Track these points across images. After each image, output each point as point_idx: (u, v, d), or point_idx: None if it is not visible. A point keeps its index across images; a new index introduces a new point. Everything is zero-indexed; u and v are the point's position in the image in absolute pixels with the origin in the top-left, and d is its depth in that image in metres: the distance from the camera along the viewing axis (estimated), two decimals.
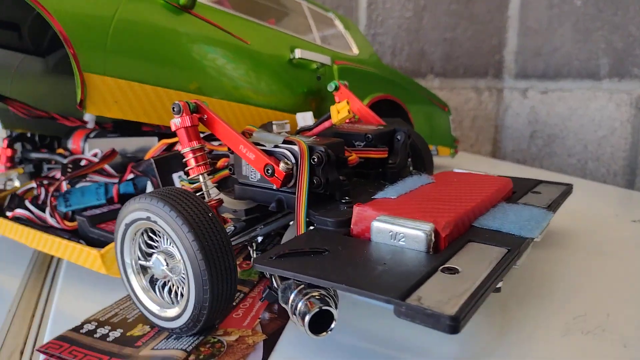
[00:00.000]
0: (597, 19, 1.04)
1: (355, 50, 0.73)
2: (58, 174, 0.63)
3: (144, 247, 0.38)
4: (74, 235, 0.50)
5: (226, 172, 0.48)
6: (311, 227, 0.39)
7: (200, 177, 0.41)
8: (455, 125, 0.91)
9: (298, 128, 0.52)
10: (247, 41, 0.56)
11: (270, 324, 0.38)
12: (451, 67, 1.29)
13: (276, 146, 0.41)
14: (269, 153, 0.41)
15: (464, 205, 0.39)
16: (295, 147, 0.40)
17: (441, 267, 0.31)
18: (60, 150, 0.71)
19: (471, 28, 1.28)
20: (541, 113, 1.21)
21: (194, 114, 0.42)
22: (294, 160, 0.40)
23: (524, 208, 0.42)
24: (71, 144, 0.69)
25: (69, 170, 0.55)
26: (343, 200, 0.41)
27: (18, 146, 0.73)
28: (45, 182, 0.60)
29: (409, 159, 0.59)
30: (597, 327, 0.36)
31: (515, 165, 1.07)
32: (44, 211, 0.54)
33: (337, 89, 0.60)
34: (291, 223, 0.46)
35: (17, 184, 0.72)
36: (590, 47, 1.07)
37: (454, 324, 0.25)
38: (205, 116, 0.42)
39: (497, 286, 0.34)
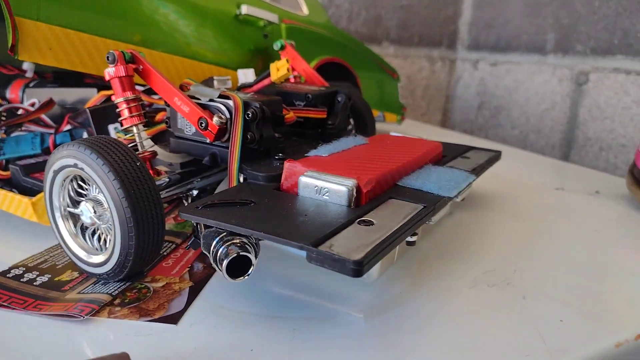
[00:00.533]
0: None
1: (305, 11, 0.73)
2: None
3: (73, 195, 0.38)
4: (7, 184, 0.50)
5: (163, 125, 0.49)
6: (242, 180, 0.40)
7: (134, 128, 0.42)
8: (403, 93, 0.93)
9: (239, 84, 0.52)
10: None
11: (199, 273, 0.39)
12: (406, 35, 1.30)
13: (211, 100, 0.41)
14: (203, 107, 0.41)
15: (390, 165, 0.41)
16: (230, 102, 0.41)
17: (358, 220, 0.33)
18: None
19: None
20: (489, 85, 1.25)
21: (129, 64, 0.41)
22: (228, 115, 0.41)
23: (447, 170, 0.45)
24: (9, 94, 0.67)
25: (3, 118, 0.54)
26: (276, 157, 0.42)
27: None
28: None
29: (351, 122, 0.61)
30: (503, 281, 0.39)
31: (461, 135, 1.10)
32: None
33: (283, 48, 0.60)
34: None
35: None
36: (539, 22, 1.10)
37: (357, 268, 0.27)
38: (141, 67, 0.42)
39: (411, 240, 0.36)
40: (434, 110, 1.39)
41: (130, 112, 0.41)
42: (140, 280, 0.38)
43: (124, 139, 0.47)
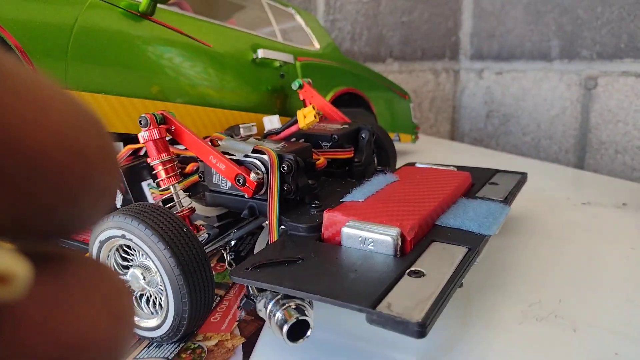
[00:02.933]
0: (548, 2, 1.08)
1: (316, 45, 0.74)
2: None
3: (120, 261, 0.39)
4: None
5: (195, 177, 0.49)
6: (282, 230, 0.41)
7: (172, 188, 0.42)
8: (414, 113, 0.93)
9: (265, 131, 0.53)
10: (209, 44, 0.56)
11: (248, 326, 0.40)
12: (409, 51, 1.31)
13: (246, 155, 0.42)
14: (239, 163, 0.42)
15: (426, 205, 0.42)
16: (265, 157, 0.41)
17: (408, 271, 0.33)
18: None
19: (427, 11, 1.30)
20: (496, 93, 1.25)
21: (161, 126, 0.42)
22: (264, 170, 0.41)
23: (482, 203, 0.45)
24: None
25: None
26: (313, 205, 0.42)
27: None
28: None
29: (374, 155, 0.62)
30: (550, 314, 0.39)
31: (472, 148, 1.11)
32: None
33: (301, 87, 0.61)
34: (265, 224, 0.47)
35: None
36: (541, 29, 1.11)
37: (421, 330, 0.27)
38: (173, 127, 0.43)
39: (460, 282, 0.37)
40: (442, 121, 1.40)
41: (167, 172, 0.42)
42: (193, 340, 0.38)
43: (160, 195, 0.48)
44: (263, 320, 0.40)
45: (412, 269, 0.34)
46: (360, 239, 0.37)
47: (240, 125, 0.53)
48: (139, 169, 0.49)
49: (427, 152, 0.98)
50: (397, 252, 0.36)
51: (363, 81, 0.79)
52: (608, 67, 0.97)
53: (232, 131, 0.54)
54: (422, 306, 0.29)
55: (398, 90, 0.88)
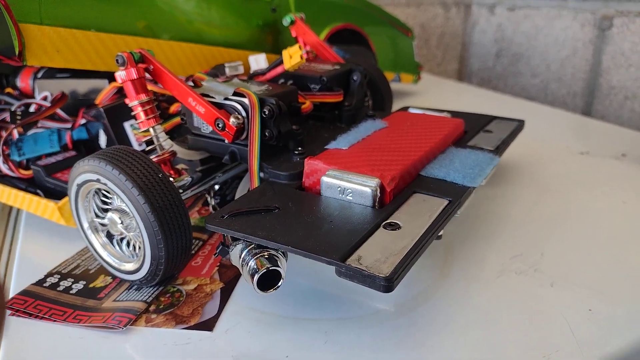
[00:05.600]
0: None
1: None
2: (8, 117, 0.61)
3: (99, 204, 0.39)
4: (30, 184, 0.50)
5: (178, 119, 0.48)
6: (263, 177, 0.40)
7: (152, 130, 0.41)
8: (417, 42, 0.89)
9: (251, 72, 0.51)
10: None
11: (227, 271, 0.40)
12: None
13: (226, 98, 0.40)
14: (219, 106, 0.41)
15: (411, 155, 0.40)
16: (246, 100, 0.40)
17: (383, 223, 0.33)
18: (9, 90, 0.68)
19: None
20: (507, 31, 1.20)
21: (140, 65, 0.40)
22: (244, 114, 0.40)
23: (470, 153, 0.44)
24: (20, 83, 0.67)
25: (19, 117, 0.54)
26: (296, 152, 0.41)
27: None
28: None
29: (367, 97, 0.60)
30: (530, 267, 0.39)
31: (478, 90, 1.07)
32: None
33: (293, 22, 0.58)
34: None
35: None
36: None
37: (387, 284, 0.27)
38: (152, 67, 0.41)
39: (438, 234, 0.36)
40: (449, 59, 1.35)
41: (147, 114, 0.41)
42: (173, 283, 0.39)
43: (142, 136, 0.47)
44: None
45: (388, 221, 0.33)
46: (339, 189, 0.36)
47: (226, 65, 0.51)
48: (121, 108, 0.48)
49: (429, 93, 0.95)
50: (376, 204, 0.35)
51: (362, 16, 0.75)
52: (625, 7, 0.91)
53: (217, 70, 0.52)
54: (392, 260, 0.29)
55: (400, 27, 0.84)
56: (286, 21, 0.57)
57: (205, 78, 0.44)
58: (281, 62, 0.47)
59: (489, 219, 0.47)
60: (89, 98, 0.59)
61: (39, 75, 0.64)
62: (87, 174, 0.35)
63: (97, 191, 0.38)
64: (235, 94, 0.41)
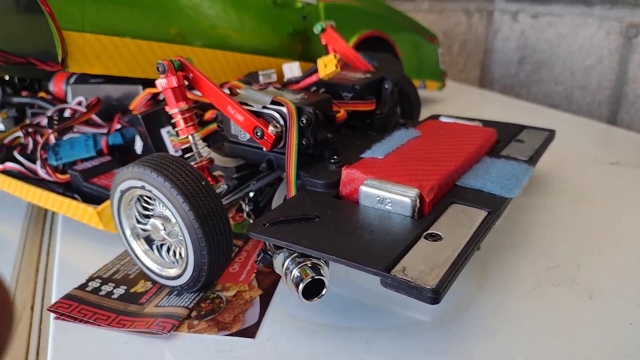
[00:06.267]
0: None
1: None
2: (43, 121, 0.63)
3: (141, 210, 0.39)
4: (67, 188, 0.51)
5: (214, 126, 0.49)
6: (300, 185, 0.40)
7: (190, 138, 0.42)
8: (443, 57, 0.90)
9: (285, 80, 0.51)
10: None
11: (265, 278, 0.41)
12: None
13: (264, 107, 0.41)
14: (257, 114, 0.41)
15: (448, 165, 0.41)
16: (284, 109, 0.40)
17: (425, 234, 0.33)
18: (43, 94, 0.69)
19: None
20: (531, 38, 1.19)
21: (179, 73, 0.41)
22: (282, 123, 0.40)
23: (505, 164, 0.44)
24: (53, 87, 0.68)
25: (56, 122, 0.55)
26: (332, 160, 0.42)
27: None
28: (30, 130, 0.60)
29: (397, 106, 0.60)
30: (567, 279, 0.39)
31: (501, 97, 1.07)
32: (33, 162, 0.55)
33: (323, 30, 0.58)
34: (283, 176, 0.47)
35: (1, 127, 0.71)
36: None
37: (435, 296, 0.27)
38: (191, 75, 0.42)
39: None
40: (472, 66, 1.35)
41: (186, 122, 0.41)
42: (212, 289, 0.39)
43: (179, 142, 0.48)
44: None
45: (429, 231, 0.33)
46: (378, 198, 0.36)
47: (260, 72, 0.52)
48: (158, 115, 0.49)
49: (453, 100, 0.95)
50: (415, 214, 0.35)
51: (389, 23, 0.75)
52: None
53: (251, 78, 0.53)
54: (437, 271, 0.29)
55: (426, 34, 0.84)
56: (317, 29, 0.58)
57: (241, 86, 0.45)
58: (315, 71, 0.48)
59: (523, 229, 0.47)
60: (122, 103, 0.60)
61: (72, 80, 0.66)
62: (131, 180, 0.36)
63: (140, 198, 0.39)
64: (273, 102, 0.41)
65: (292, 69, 0.50)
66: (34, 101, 0.69)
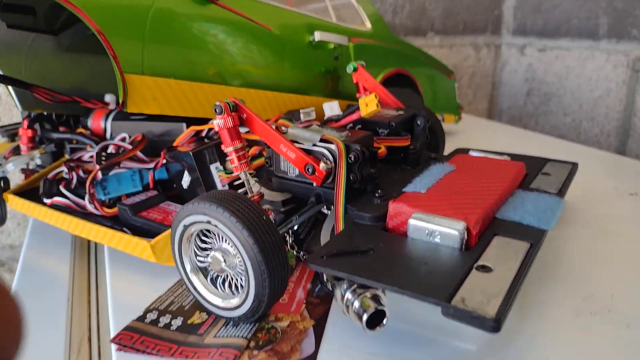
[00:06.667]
0: None
1: (367, 24, 0.74)
2: (85, 155, 0.65)
3: (199, 244, 0.41)
4: (115, 221, 0.54)
5: (260, 161, 0.51)
6: (347, 217, 0.43)
7: (243, 175, 0.44)
8: (459, 92, 0.93)
9: (325, 118, 0.54)
10: (270, 27, 0.57)
11: (316, 308, 0.42)
12: (451, 24, 1.29)
13: (314, 145, 0.44)
14: (307, 152, 0.44)
15: (487, 198, 0.43)
16: (333, 147, 0.43)
17: (476, 265, 0.35)
18: (81, 130, 0.72)
19: None
20: (538, 71, 1.23)
21: (234, 113, 0.44)
22: (332, 159, 0.43)
23: (539, 197, 0.46)
24: (91, 123, 0.71)
25: (104, 159, 0.57)
26: (376, 194, 0.44)
27: (37, 126, 0.74)
28: (73, 164, 0.63)
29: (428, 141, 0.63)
30: (603, 308, 0.41)
31: (510, 128, 1.10)
32: (79, 196, 0.57)
33: (355, 70, 0.61)
34: (328, 212, 0.50)
35: (38, 162, 0.74)
36: (590, 6, 1.08)
37: (496, 325, 0.29)
38: (244, 115, 0.45)
39: None
40: (480, 98, 1.39)
41: (239, 159, 0.44)
42: (266, 320, 0.41)
43: (227, 178, 0.50)
44: (329, 303, 0.43)
45: (479, 263, 0.36)
46: (427, 231, 0.39)
47: (301, 111, 0.54)
48: (207, 152, 0.51)
49: (466, 132, 0.98)
50: (463, 246, 0.37)
51: (411, 61, 0.79)
52: None
53: (292, 115, 0.56)
54: (494, 302, 0.31)
55: (443, 69, 0.88)
56: (350, 69, 0.61)
57: (288, 124, 0.47)
58: (356, 110, 0.51)
59: (554, 260, 0.49)
60: (163, 140, 0.63)
61: (112, 117, 0.69)
62: (197, 215, 0.38)
63: (199, 233, 0.41)
64: (322, 140, 0.44)
65: (332, 108, 0.53)
66: (73, 137, 0.72)
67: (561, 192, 0.50)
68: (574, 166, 0.58)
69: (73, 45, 0.73)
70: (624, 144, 1.04)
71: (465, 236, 0.38)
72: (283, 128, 0.48)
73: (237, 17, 0.54)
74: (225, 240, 0.39)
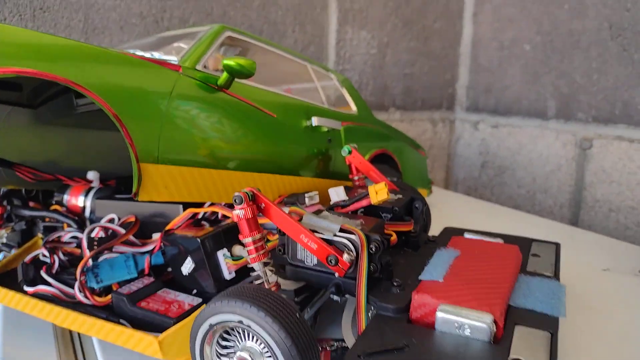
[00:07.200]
0: (545, 65, 1.16)
1: (353, 107, 0.78)
2: (65, 236, 0.62)
3: (220, 341, 0.40)
4: (111, 313, 0.50)
5: (274, 243, 0.51)
6: (369, 308, 0.43)
7: (259, 265, 0.44)
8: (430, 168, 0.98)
9: (331, 203, 0.55)
10: (274, 114, 0.58)
11: None
12: (410, 100, 1.36)
13: (335, 235, 0.44)
14: (328, 242, 0.44)
15: (501, 286, 0.45)
16: (354, 237, 0.44)
17: (509, 359, 0.36)
18: (56, 207, 0.69)
19: (428, 63, 1.37)
20: (492, 145, 1.32)
21: (253, 203, 0.44)
22: (354, 250, 0.43)
23: (542, 282, 0.49)
24: (68, 200, 0.68)
25: (96, 245, 0.55)
26: (394, 283, 0.45)
27: (5, 202, 0.69)
28: (52, 246, 0.59)
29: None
30: None
31: (468, 198, 1.16)
32: (62, 282, 0.54)
33: (350, 152, 0.63)
34: (338, 300, 0.49)
35: (3, 240, 0.69)
36: (538, 89, 1.19)
37: None
38: (263, 205, 0.44)
39: None
40: (437, 168, 1.45)
41: (257, 250, 0.43)
42: None
43: (235, 265, 0.49)
44: None
45: (512, 357, 0.36)
46: (456, 324, 0.39)
47: (306, 195, 0.55)
48: (216, 239, 0.50)
49: (431, 203, 1.03)
50: (492, 339, 0.38)
51: (392, 141, 0.83)
52: (603, 131, 1.05)
53: (295, 199, 0.56)
54: None
55: (417, 147, 0.93)
56: (345, 152, 0.63)
57: (303, 212, 0.48)
58: (365, 197, 0.52)
59: (561, 338, 0.51)
60: (154, 221, 0.61)
61: (92, 193, 0.66)
62: (227, 314, 0.37)
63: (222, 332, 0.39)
64: (342, 230, 0.44)
65: (338, 193, 0.54)
66: (48, 214, 0.68)
67: (556, 275, 0.52)
68: (557, 246, 0.62)
69: (51, 118, 0.71)
70: (577, 215, 1.12)
71: (494, 328, 0.38)
72: (293, 214, 0.48)
73: (245, 104, 0.55)
74: (253, 339, 0.38)
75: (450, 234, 0.61)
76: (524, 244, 0.61)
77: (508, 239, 0.61)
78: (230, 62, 0.49)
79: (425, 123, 1.40)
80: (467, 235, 0.60)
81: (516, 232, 0.65)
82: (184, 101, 0.48)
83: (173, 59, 0.53)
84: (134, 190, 0.44)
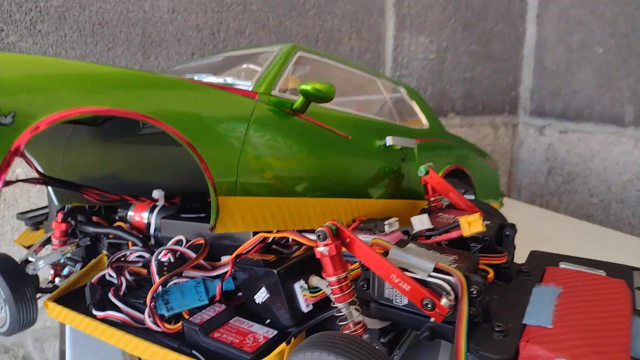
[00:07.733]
0: (622, 68, 1.07)
1: (424, 122, 0.73)
2: (131, 255, 0.60)
3: None
4: (182, 342, 0.48)
5: (357, 272, 0.47)
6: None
7: (345, 306, 0.40)
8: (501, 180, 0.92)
9: (414, 231, 0.51)
10: (348, 136, 0.54)
11: None
12: (471, 105, 1.30)
13: (429, 275, 0.40)
14: (422, 282, 0.40)
15: (619, 334, 0.39)
16: (452, 279, 0.39)
17: None
18: (120, 223, 0.67)
19: (489, 67, 1.30)
20: (560, 151, 1.24)
21: (337, 239, 0.40)
22: (452, 294, 0.39)
23: None
24: (133, 217, 0.66)
25: (165, 269, 0.52)
26: (496, 329, 0.40)
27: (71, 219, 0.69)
28: (119, 266, 0.57)
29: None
30: None
31: (529, 207, 1.08)
32: (129, 305, 0.52)
33: (427, 173, 0.59)
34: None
35: (68, 255, 0.68)
36: (614, 94, 1.10)
37: None
38: (347, 239, 0.41)
39: None
40: (500, 174, 1.39)
41: (342, 290, 0.40)
42: None
43: (313, 298, 0.46)
44: None
45: None
46: None
47: (385, 222, 0.51)
48: (293, 270, 0.47)
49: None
50: None
51: (465, 155, 0.78)
52: None
53: (372, 226, 0.52)
54: None
55: (489, 160, 0.87)
56: (421, 172, 0.58)
57: (388, 246, 0.44)
58: (455, 227, 0.47)
59: None
60: (222, 243, 0.58)
61: (157, 211, 0.64)
62: None
63: None
64: (437, 270, 0.40)
65: (422, 222, 0.50)
66: (112, 231, 0.66)
67: None
68: None
69: (110, 134, 0.70)
70: None
71: None
72: (384, 250, 0.44)
73: (320, 128, 0.52)
74: None
75: (540, 261, 0.56)
76: (624, 274, 0.55)
77: (609, 268, 0.55)
78: (307, 87, 0.46)
79: (487, 127, 1.34)
80: (562, 265, 0.54)
81: (591, 247, 0.59)
82: (261, 130, 0.45)
83: (247, 84, 0.50)
84: (211, 223, 0.41)
